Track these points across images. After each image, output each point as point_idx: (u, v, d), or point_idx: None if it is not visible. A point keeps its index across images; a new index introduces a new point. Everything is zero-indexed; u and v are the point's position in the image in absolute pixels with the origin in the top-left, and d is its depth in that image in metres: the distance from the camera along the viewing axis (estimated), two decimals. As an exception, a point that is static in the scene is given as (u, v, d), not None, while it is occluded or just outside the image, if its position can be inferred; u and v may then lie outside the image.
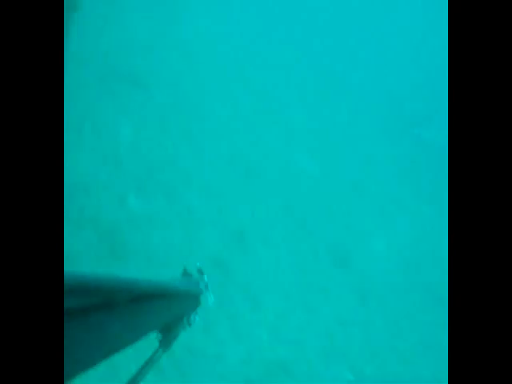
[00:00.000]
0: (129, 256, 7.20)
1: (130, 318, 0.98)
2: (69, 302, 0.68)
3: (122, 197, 7.90)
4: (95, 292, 0.75)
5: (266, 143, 10.49)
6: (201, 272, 2.09)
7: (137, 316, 1.02)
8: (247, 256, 8.95)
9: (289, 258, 8.39)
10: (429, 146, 12.12)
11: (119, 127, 9.32)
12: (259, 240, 9.57)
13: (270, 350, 6.85)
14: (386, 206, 9.79)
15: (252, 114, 10.81)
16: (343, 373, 6.90)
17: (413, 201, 10.24)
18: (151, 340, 1.42)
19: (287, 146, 10.40)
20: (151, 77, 9.84)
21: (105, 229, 7.19)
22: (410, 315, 8.10)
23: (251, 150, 10.57)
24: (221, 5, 13.16)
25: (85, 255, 6.67)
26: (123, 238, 7.30)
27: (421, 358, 7.52)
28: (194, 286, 1.85)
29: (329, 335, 7.35)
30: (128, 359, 1.90)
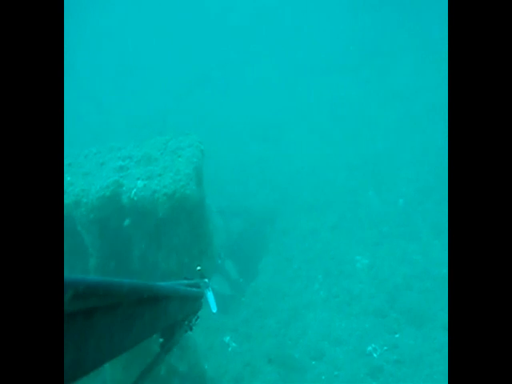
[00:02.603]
0: None
1: (131, 321, 1.00)
2: (70, 306, 0.70)
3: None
4: (96, 295, 0.77)
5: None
6: (202, 275, 2.11)
7: (138, 319, 1.03)
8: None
9: None
10: None
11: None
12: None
13: None
14: None
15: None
16: None
17: None
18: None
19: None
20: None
21: None
22: None
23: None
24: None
25: None
26: None
27: None
28: (196, 290, 1.82)
29: None
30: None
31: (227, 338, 8.23)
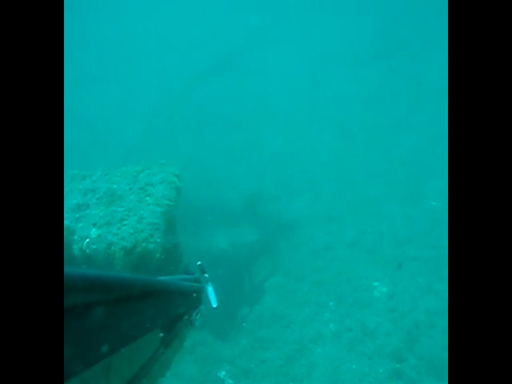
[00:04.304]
0: None
1: (132, 316, 0.97)
2: (70, 300, 0.68)
3: None
4: (97, 290, 0.74)
5: None
6: (202, 270, 2.08)
7: (138, 313, 1.00)
8: None
9: None
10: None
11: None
12: None
13: None
14: None
15: None
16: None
17: None
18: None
19: None
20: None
21: None
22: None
23: None
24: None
25: None
26: None
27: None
28: (196, 284, 1.81)
29: None
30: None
31: (223, 373, 7.26)
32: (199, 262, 2.12)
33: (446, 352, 6.81)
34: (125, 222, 3.96)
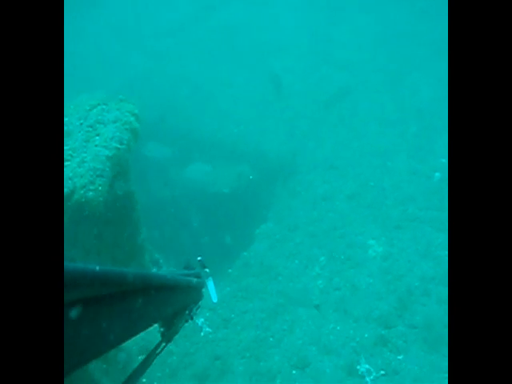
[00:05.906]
0: None
1: (133, 311, 0.93)
2: (69, 295, 0.66)
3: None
4: (98, 284, 0.72)
5: None
6: (202, 265, 2.10)
7: (139, 308, 0.96)
8: None
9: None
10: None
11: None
12: None
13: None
14: None
15: None
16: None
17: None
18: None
19: None
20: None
21: None
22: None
23: None
24: None
25: None
26: None
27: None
28: (197, 280, 1.76)
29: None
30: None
31: (201, 320, 6.79)
32: (199, 258, 2.10)
33: (438, 322, 6.25)
34: (66, 164, 3.20)
